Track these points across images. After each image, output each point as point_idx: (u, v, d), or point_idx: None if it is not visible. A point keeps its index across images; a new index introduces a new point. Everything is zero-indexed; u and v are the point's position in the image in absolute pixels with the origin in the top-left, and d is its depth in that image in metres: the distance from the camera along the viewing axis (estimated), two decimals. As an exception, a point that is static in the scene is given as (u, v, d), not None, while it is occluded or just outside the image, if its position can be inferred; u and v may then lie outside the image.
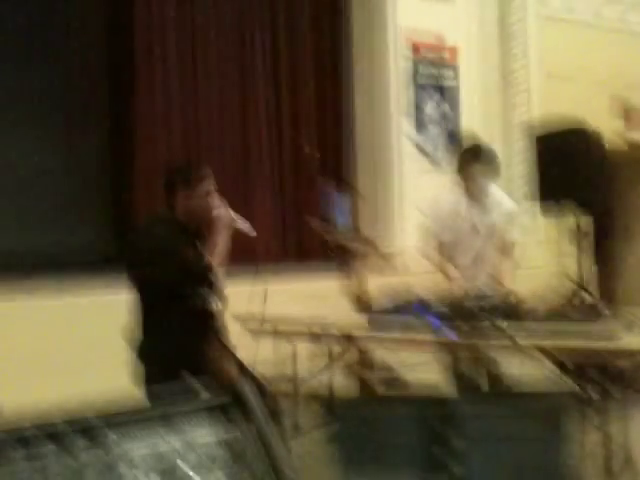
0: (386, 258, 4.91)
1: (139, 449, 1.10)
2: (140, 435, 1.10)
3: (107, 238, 7.78)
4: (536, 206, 6.01)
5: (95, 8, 6.85)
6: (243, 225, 3.16)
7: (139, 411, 1.16)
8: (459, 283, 3.78)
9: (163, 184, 3.15)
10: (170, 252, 2.87)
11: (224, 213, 3.06)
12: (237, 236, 3.54)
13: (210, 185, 3.09)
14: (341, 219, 4.29)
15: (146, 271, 2.93)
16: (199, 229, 3.08)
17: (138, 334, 2.98)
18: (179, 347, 2.88)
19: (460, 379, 3.95)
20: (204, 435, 1.13)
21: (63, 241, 7.32)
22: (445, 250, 3.95)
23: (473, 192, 3.84)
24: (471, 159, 3.85)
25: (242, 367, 3.10)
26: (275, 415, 3.14)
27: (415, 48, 6.80)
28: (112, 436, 1.09)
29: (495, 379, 3.84)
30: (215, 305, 3.01)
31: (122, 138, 7.20)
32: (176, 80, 6.31)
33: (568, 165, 5.11)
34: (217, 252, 2.96)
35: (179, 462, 1.09)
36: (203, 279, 2.91)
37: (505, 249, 3.87)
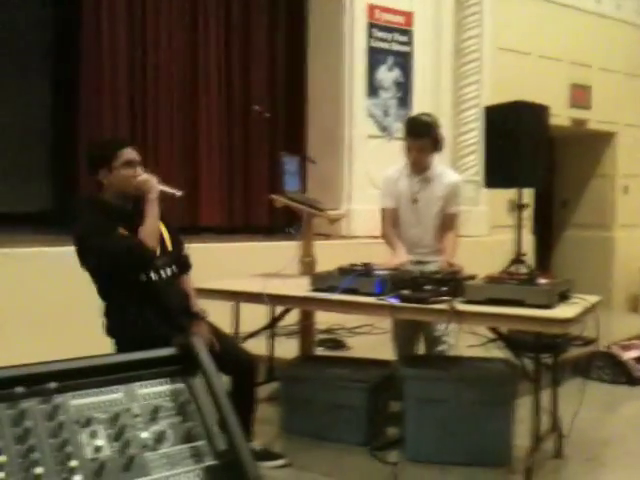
0: (333, 221, 4.94)
1: (80, 398, 1.10)
2: (82, 385, 1.11)
3: (47, 193, 7.63)
4: (480, 176, 6.15)
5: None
6: (168, 188, 3.07)
7: (82, 362, 1.16)
8: (402, 257, 3.84)
9: (86, 167, 3.05)
10: (98, 240, 2.82)
11: (147, 178, 2.96)
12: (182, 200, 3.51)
13: (130, 154, 2.97)
14: (291, 183, 4.28)
15: (85, 261, 2.91)
16: (130, 204, 3.00)
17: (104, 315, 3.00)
18: (138, 326, 2.87)
19: (400, 342, 4.04)
20: (148, 386, 1.15)
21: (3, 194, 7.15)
22: (390, 217, 4.00)
23: (412, 163, 3.88)
24: (407, 133, 3.89)
25: (216, 330, 3.12)
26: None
27: (370, 10, 6.74)
28: (53, 385, 1.09)
29: (433, 343, 3.93)
30: (164, 274, 2.97)
31: (66, 93, 7.01)
32: (124, 40, 6.15)
33: (511, 138, 5.22)
34: (150, 220, 2.89)
35: (121, 412, 1.10)
36: (138, 257, 2.87)
37: (447, 221, 3.92)
